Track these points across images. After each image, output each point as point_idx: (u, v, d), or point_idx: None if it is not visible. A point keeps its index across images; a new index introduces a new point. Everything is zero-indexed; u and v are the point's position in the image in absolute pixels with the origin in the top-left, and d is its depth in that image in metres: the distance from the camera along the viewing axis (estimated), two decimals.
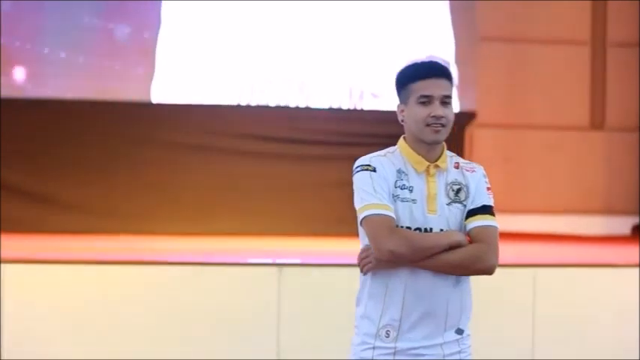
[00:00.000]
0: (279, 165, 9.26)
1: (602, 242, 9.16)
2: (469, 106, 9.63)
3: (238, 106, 9.33)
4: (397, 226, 2.99)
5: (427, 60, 3.11)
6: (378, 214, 2.97)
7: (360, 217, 3.01)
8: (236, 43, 9.26)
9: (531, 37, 10.12)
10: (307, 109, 9.43)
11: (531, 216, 9.91)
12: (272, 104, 9.36)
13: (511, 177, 9.95)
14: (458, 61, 9.63)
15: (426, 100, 3.03)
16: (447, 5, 9.70)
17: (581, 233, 9.79)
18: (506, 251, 7.25)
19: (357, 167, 3.06)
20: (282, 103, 9.38)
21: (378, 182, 3.00)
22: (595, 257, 7.54)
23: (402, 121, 3.10)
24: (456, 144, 9.14)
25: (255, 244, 8.13)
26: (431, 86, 3.03)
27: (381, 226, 2.96)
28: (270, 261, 6.15)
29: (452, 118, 3.05)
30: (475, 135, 9.88)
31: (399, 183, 3.03)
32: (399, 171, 3.04)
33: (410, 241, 2.96)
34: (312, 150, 9.31)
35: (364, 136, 8.83)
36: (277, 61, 9.34)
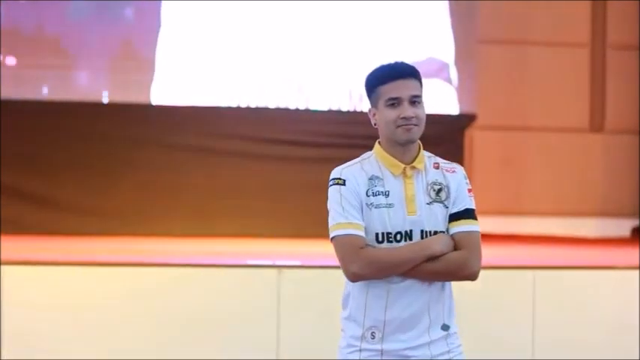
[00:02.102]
0: (279, 167, 9.26)
1: (601, 244, 9.15)
2: (469, 108, 9.62)
3: (238, 108, 9.33)
4: (380, 233, 2.98)
5: (393, 62, 3.11)
6: (345, 235, 2.98)
7: (330, 236, 3.03)
8: (236, 44, 9.27)
9: (531, 39, 10.12)
10: (307, 110, 9.43)
11: (531, 218, 9.90)
12: (272, 106, 9.36)
13: (511, 179, 9.95)
14: (457, 63, 9.63)
15: (395, 102, 3.04)
16: (446, 7, 9.70)
17: (581, 235, 9.78)
18: (506, 253, 7.25)
19: (329, 181, 3.07)
20: (282, 105, 9.38)
21: (346, 198, 3.00)
22: (595, 259, 7.53)
23: (375, 124, 3.12)
24: (456, 146, 9.18)
25: (255, 246, 8.13)
26: (398, 88, 3.04)
27: (348, 247, 2.97)
28: (269, 262, 6.15)
29: (423, 116, 3.05)
30: (475, 137, 9.87)
31: (371, 191, 3.02)
32: (371, 178, 3.04)
33: (376, 263, 2.96)
34: (311, 152, 9.29)
35: (364, 138, 8.66)
36: (277, 62, 9.34)
